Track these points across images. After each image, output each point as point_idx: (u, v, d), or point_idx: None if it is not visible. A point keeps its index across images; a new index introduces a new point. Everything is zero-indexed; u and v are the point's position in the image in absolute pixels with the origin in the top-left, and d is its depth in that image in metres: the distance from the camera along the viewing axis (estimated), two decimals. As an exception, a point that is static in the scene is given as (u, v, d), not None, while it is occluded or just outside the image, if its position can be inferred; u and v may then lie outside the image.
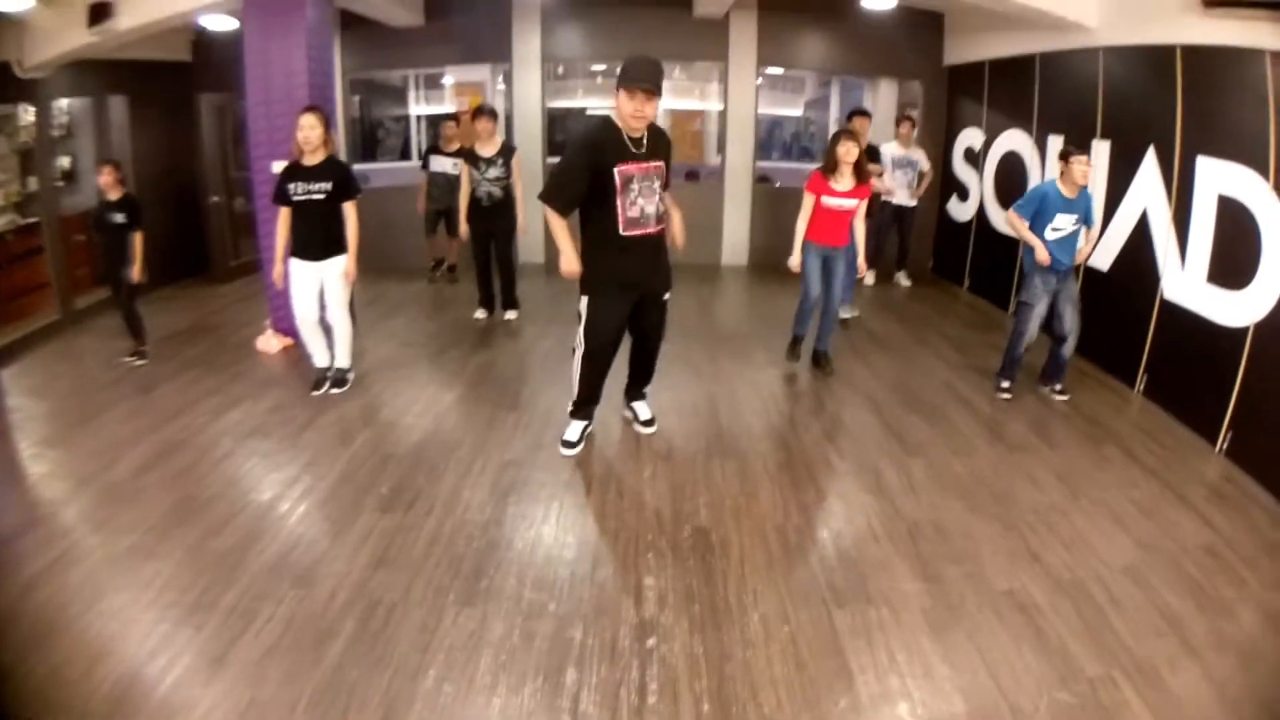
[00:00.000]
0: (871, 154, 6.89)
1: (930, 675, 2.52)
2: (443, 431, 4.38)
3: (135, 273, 5.48)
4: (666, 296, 4.04)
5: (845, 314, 6.49)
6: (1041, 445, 4.34)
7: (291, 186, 4.62)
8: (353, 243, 4.77)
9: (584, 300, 3.86)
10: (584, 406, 4.12)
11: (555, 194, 3.65)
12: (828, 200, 5.05)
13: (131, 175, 7.82)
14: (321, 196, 4.62)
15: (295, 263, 4.77)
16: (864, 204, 5.15)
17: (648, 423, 4.36)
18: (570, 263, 3.69)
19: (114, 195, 5.43)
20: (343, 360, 5.03)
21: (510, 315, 6.65)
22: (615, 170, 3.57)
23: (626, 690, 2.42)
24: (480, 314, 6.70)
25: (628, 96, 3.50)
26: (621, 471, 3.81)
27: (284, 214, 4.71)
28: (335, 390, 4.93)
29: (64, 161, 7.54)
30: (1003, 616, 2.82)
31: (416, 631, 2.66)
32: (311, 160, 4.63)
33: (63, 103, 7.48)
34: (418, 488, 3.69)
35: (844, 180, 5.03)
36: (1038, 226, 4.72)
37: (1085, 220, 4.78)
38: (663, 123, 12.25)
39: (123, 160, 7.76)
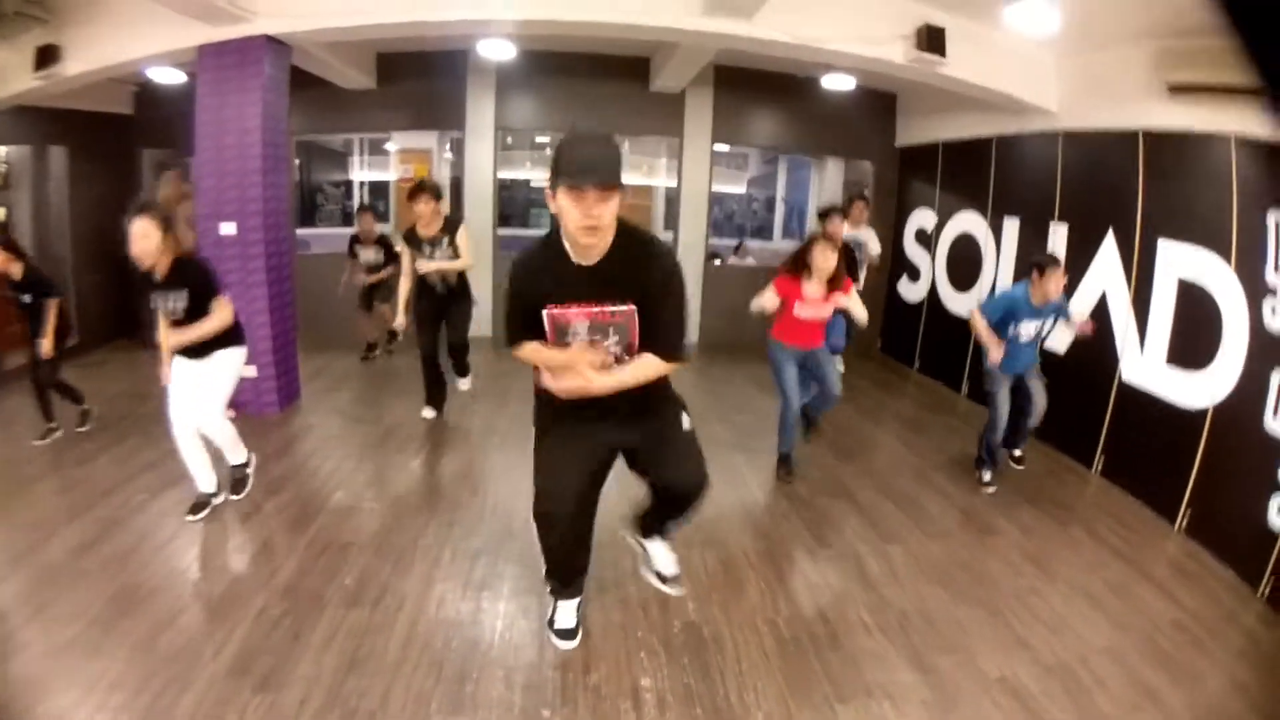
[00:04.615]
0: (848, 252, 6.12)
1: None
2: (404, 518, 4.13)
3: (45, 346, 4.97)
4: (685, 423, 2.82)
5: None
6: (1011, 528, 4.38)
7: (151, 299, 3.87)
8: (200, 329, 3.84)
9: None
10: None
11: (506, 332, 2.67)
12: (799, 310, 4.56)
13: (68, 231, 7.54)
14: (181, 316, 3.86)
15: (176, 361, 4.01)
16: (843, 296, 4.57)
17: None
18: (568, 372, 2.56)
19: (16, 274, 4.96)
20: (235, 457, 4.27)
21: (464, 385, 6.08)
22: (543, 313, 2.52)
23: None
24: (429, 413, 5.84)
25: (573, 199, 2.27)
26: (599, 562, 3.48)
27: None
28: (234, 497, 4.26)
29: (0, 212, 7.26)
30: (999, 704, 2.83)
31: (402, 745, 2.44)
32: (160, 270, 3.78)
33: (1, 151, 7.23)
34: (384, 581, 3.45)
35: (817, 286, 4.51)
36: (1002, 329, 4.72)
37: (1060, 316, 4.88)
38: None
39: (59, 215, 7.50)
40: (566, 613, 3.05)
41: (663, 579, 3.22)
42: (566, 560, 2.92)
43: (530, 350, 2.59)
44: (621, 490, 3.14)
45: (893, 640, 3.19)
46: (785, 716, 2.68)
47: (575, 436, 2.68)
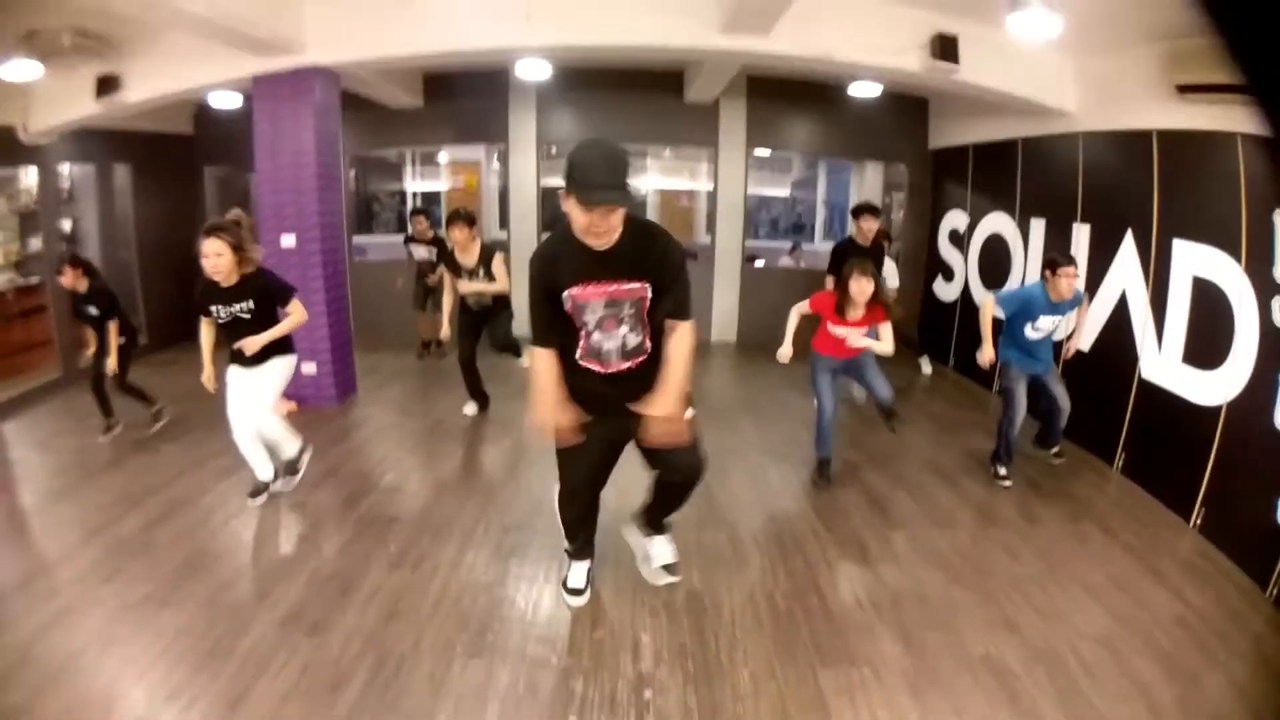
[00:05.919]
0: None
1: (910, 733, 2.67)
2: (446, 497, 4.56)
3: (111, 364, 5.42)
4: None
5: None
6: (1021, 521, 4.49)
7: (213, 309, 4.18)
8: (280, 329, 4.26)
9: None
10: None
11: (536, 332, 2.88)
12: (834, 329, 4.68)
13: (134, 240, 8.15)
14: (248, 317, 4.17)
15: (232, 370, 4.35)
16: (887, 325, 4.66)
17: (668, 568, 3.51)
18: (542, 412, 2.86)
19: (82, 289, 5.37)
20: (289, 451, 4.58)
21: (525, 361, 5.91)
22: (565, 295, 2.75)
23: (626, 739, 2.56)
24: (470, 409, 6.23)
25: (581, 210, 2.52)
26: (617, 536, 3.79)
27: (205, 322, 4.32)
28: (281, 484, 4.56)
29: (65, 224, 7.80)
30: (979, 680, 2.96)
31: (426, 680, 2.81)
32: (227, 282, 4.11)
33: (64, 168, 7.75)
34: (424, 549, 3.86)
35: (857, 309, 4.57)
36: (1018, 322, 4.81)
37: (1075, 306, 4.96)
38: (651, 203, 12.52)
39: (125, 226, 8.10)
40: (579, 573, 3.48)
41: (666, 570, 3.49)
42: (581, 529, 3.40)
43: (542, 361, 2.85)
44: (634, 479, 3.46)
45: (883, 616, 3.40)
46: (769, 675, 2.95)
47: (593, 427, 2.95)
